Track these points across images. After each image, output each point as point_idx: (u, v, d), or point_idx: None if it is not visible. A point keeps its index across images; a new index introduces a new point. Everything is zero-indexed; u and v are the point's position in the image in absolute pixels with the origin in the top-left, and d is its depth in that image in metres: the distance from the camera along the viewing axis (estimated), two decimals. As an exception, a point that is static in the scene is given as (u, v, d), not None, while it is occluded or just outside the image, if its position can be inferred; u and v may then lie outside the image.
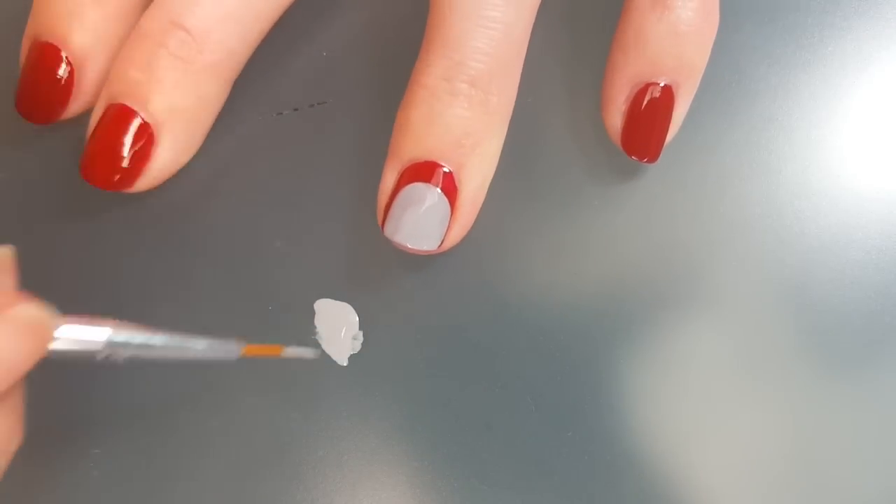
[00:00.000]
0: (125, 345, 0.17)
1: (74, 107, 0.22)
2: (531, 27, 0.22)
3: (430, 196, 0.21)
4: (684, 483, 0.23)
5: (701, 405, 0.23)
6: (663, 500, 0.23)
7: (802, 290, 0.23)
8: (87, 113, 0.23)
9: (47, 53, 0.21)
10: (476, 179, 0.21)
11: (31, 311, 0.15)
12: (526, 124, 0.24)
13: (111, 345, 0.17)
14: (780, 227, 0.23)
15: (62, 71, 0.21)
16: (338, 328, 0.24)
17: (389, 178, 0.21)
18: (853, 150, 0.23)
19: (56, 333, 0.16)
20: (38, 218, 0.25)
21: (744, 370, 0.23)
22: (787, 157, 0.23)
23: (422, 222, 0.21)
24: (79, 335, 0.16)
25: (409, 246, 0.21)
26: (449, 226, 0.21)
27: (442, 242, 0.21)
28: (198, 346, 0.19)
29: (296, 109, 0.24)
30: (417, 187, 0.21)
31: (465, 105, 0.20)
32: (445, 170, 0.21)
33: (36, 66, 0.22)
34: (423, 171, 0.21)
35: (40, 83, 0.22)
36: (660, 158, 0.24)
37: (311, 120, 0.24)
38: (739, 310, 0.23)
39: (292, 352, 0.22)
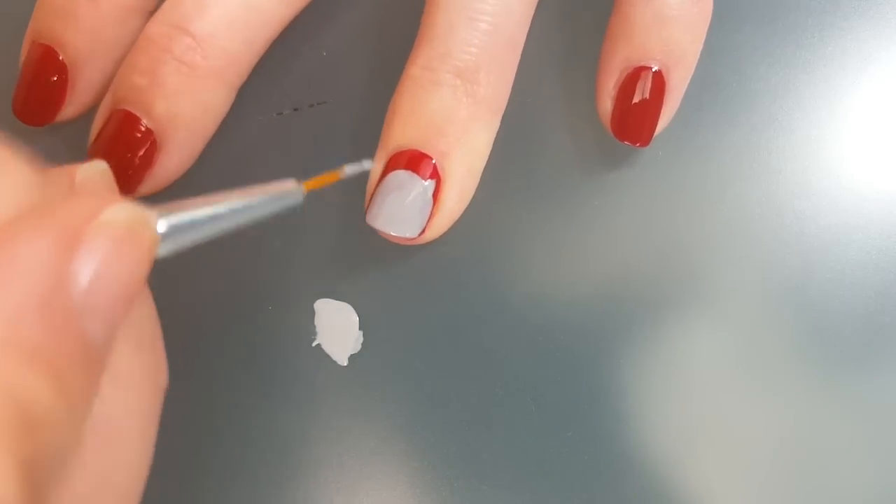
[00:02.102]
0: (197, 224, 0.14)
1: (69, 110, 0.22)
2: (527, 22, 0.22)
3: (409, 183, 0.21)
4: (684, 483, 0.23)
5: (701, 405, 0.23)
6: (663, 499, 0.23)
7: (802, 290, 0.23)
8: (85, 114, 0.23)
9: (43, 55, 0.21)
10: (460, 169, 0.21)
11: (120, 212, 0.12)
12: (526, 124, 0.24)
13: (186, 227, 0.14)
14: (780, 227, 0.23)
15: (57, 72, 0.21)
16: (338, 328, 0.24)
17: (377, 167, 0.21)
18: (853, 150, 0.23)
19: (159, 230, 0.13)
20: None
21: (744, 370, 0.23)
22: (787, 157, 0.23)
23: (401, 209, 0.21)
24: (179, 225, 0.14)
25: (390, 233, 0.21)
26: (431, 214, 0.21)
27: (424, 231, 0.21)
28: (264, 201, 0.16)
29: (296, 109, 0.24)
30: (398, 174, 0.21)
31: (449, 94, 0.20)
32: (429, 158, 0.21)
33: (31, 68, 0.22)
34: (405, 159, 0.21)
35: (35, 85, 0.22)
36: (660, 159, 0.24)
37: (311, 120, 0.24)
38: (739, 310, 0.23)
39: (350, 170, 0.19)
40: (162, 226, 0.13)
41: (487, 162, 0.22)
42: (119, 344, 0.13)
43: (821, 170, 0.23)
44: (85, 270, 0.11)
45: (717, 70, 0.23)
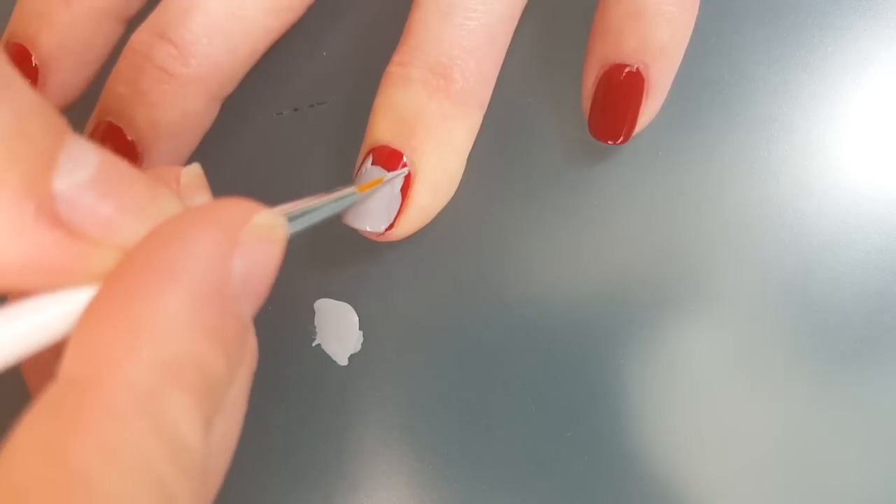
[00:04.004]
0: (303, 218, 0.17)
1: None
2: (511, 16, 0.21)
3: (376, 178, 0.21)
4: (684, 483, 0.23)
5: (701, 405, 0.23)
6: (663, 499, 0.23)
7: (802, 290, 0.23)
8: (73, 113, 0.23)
9: (15, 54, 0.21)
10: (431, 164, 0.21)
11: (267, 217, 0.15)
12: (525, 124, 0.24)
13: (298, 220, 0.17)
14: (780, 227, 0.23)
15: (28, 72, 0.21)
16: (338, 328, 0.24)
17: (357, 165, 0.21)
18: (853, 150, 0.23)
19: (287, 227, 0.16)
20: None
21: (743, 370, 0.23)
22: (787, 157, 0.23)
23: (368, 204, 0.21)
24: (296, 221, 0.17)
25: (358, 227, 0.21)
26: (400, 210, 0.21)
27: (392, 226, 0.21)
28: (334, 201, 0.19)
29: (296, 109, 0.24)
30: (368, 170, 0.21)
31: (420, 90, 0.20)
32: (398, 154, 0.21)
33: None
34: (374, 154, 0.21)
35: None
36: (659, 159, 0.24)
37: (311, 120, 0.24)
38: (739, 310, 0.23)
39: (391, 176, 0.22)
40: (288, 226, 0.16)
41: (487, 162, 0.22)
42: None
43: (821, 170, 0.23)
44: (241, 264, 0.14)
45: (717, 70, 0.23)
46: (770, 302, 0.23)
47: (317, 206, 0.18)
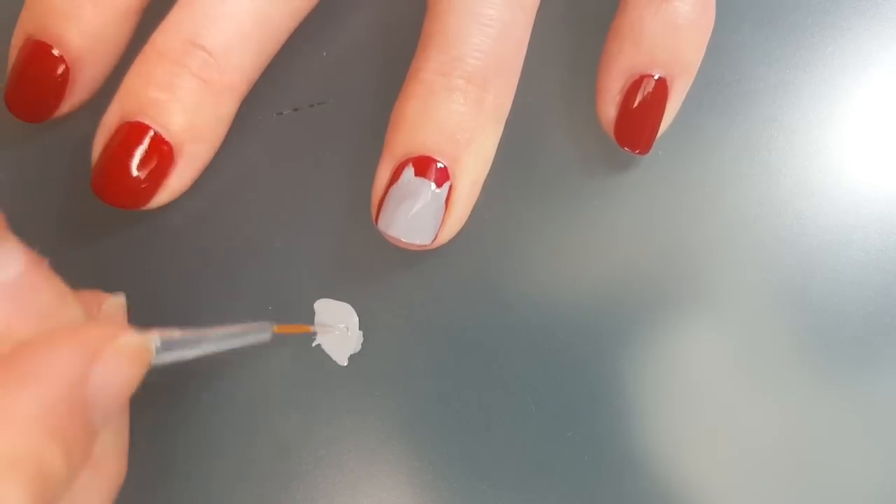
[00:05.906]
0: (183, 348, 0.19)
1: (65, 107, 0.22)
2: (530, 27, 0.22)
3: (424, 190, 0.21)
4: (684, 483, 0.23)
5: (701, 405, 0.23)
6: (663, 500, 0.23)
7: (802, 290, 0.23)
8: (78, 110, 0.23)
9: (43, 52, 0.21)
10: (470, 175, 0.21)
11: (133, 339, 0.17)
12: (526, 124, 0.24)
13: (174, 348, 0.19)
14: (780, 227, 0.23)
15: (58, 71, 0.21)
16: (338, 328, 0.24)
17: (384, 172, 0.21)
18: (853, 150, 0.23)
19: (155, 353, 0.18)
20: (36, 217, 0.25)
21: (743, 370, 0.23)
22: (787, 157, 0.23)
23: (416, 216, 0.21)
24: (171, 347, 0.18)
25: (403, 240, 0.21)
26: (443, 220, 0.21)
27: (436, 237, 0.21)
28: (237, 335, 0.20)
29: (296, 109, 0.24)
30: (412, 181, 0.21)
31: (461, 101, 0.20)
32: (440, 164, 0.21)
33: (31, 65, 0.22)
34: (417, 165, 0.21)
35: (34, 82, 0.22)
36: (660, 159, 0.24)
37: (311, 120, 0.24)
38: (739, 309, 0.23)
39: (318, 327, 0.23)
40: (158, 349, 0.18)
41: (487, 162, 0.22)
42: (102, 435, 0.18)
43: (821, 170, 0.23)
44: (99, 376, 0.16)
45: (717, 70, 0.23)
46: (770, 302, 0.23)
47: (215, 337, 0.19)
